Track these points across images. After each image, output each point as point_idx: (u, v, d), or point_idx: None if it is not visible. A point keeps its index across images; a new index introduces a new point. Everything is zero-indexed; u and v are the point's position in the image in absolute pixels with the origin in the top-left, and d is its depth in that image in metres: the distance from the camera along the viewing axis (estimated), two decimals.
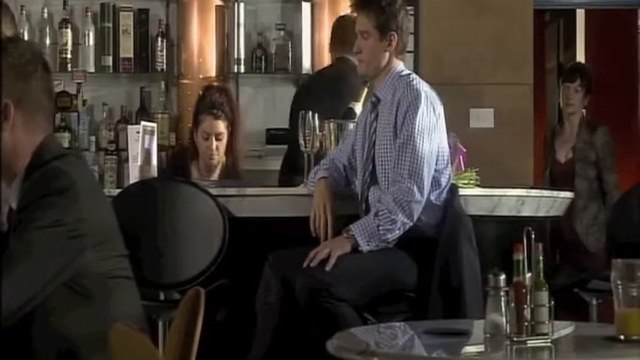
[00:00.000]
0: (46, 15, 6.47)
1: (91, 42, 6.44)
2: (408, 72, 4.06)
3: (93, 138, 6.44)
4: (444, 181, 3.97)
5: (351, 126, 4.29)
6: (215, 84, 5.84)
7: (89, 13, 6.46)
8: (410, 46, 5.11)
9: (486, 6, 6.16)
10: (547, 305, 2.63)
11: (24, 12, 6.36)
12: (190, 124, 5.26)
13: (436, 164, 3.92)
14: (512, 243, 2.66)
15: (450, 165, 4.03)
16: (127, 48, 6.46)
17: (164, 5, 6.59)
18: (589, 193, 5.83)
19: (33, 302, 2.33)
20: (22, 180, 2.46)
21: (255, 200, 4.23)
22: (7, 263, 2.30)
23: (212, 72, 6.40)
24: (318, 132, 4.35)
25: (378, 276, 3.83)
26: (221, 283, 4.03)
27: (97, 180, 5.55)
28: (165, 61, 6.47)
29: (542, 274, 2.63)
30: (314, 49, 6.42)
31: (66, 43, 6.43)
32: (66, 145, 6.17)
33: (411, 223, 3.83)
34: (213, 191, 4.21)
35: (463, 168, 4.39)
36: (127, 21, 6.47)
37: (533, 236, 2.65)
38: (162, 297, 4.38)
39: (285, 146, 5.55)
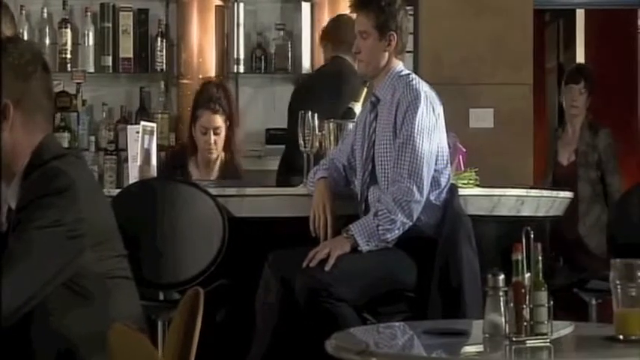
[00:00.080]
0: (45, 15, 6.46)
1: (91, 42, 6.44)
2: (407, 72, 4.06)
3: (92, 138, 6.44)
4: (443, 181, 3.97)
5: (351, 126, 4.28)
6: (212, 79, 5.85)
7: (89, 13, 6.46)
8: (409, 46, 5.13)
9: (486, 6, 6.15)
10: (546, 305, 2.62)
11: (24, 12, 6.36)
12: (189, 121, 5.27)
13: (436, 164, 3.92)
14: (512, 243, 2.66)
15: (449, 165, 4.03)
16: (127, 48, 6.46)
17: (164, 5, 6.59)
18: (592, 196, 5.80)
19: (32, 302, 2.33)
20: (21, 180, 2.46)
21: (255, 200, 4.23)
22: (7, 263, 2.29)
23: (212, 72, 6.39)
24: (317, 132, 4.35)
25: (378, 276, 3.82)
26: (220, 283, 4.03)
27: (97, 180, 5.55)
28: (164, 61, 6.47)
29: (541, 274, 2.63)
30: (313, 49, 6.41)
31: (65, 43, 6.42)
32: (65, 145, 6.17)
33: (411, 223, 3.83)
34: (213, 191, 4.20)
35: (463, 168, 4.39)
36: (126, 21, 6.47)
37: (532, 236, 2.65)
38: (161, 297, 4.38)
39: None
